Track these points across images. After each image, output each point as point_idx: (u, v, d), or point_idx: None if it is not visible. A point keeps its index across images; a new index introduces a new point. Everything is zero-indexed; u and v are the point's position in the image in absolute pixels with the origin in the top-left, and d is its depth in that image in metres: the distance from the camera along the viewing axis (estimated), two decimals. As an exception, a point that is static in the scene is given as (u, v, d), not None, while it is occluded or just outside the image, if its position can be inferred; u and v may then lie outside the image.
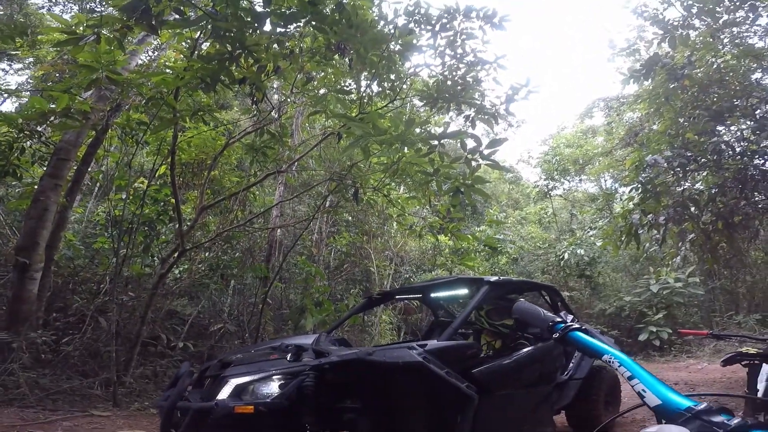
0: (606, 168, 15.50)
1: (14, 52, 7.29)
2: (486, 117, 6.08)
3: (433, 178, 5.47)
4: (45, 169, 5.65)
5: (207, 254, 8.64)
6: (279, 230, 8.66)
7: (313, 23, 3.63)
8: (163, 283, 7.19)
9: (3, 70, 9.22)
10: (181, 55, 5.24)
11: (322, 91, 5.71)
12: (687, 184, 6.95)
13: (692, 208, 6.63)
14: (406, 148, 5.44)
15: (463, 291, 4.33)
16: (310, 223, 8.34)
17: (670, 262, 11.70)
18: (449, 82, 5.77)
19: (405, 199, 7.87)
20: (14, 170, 5.17)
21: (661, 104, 6.74)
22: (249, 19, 3.40)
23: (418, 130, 5.33)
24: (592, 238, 14.30)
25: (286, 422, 2.56)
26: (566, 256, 13.65)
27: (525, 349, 3.82)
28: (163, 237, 8.11)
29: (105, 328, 6.04)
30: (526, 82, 5.84)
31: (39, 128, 4.87)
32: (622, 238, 7.05)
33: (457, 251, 11.33)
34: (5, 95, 6.45)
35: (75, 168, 6.14)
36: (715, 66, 6.44)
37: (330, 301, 7.95)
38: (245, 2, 3.42)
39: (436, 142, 5.19)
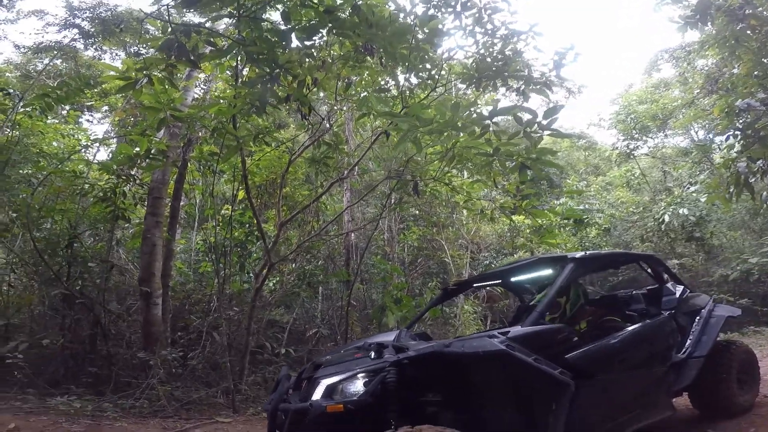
0: (692, 119, 14.02)
1: (89, 103, 8.50)
2: (537, 87, 5.90)
3: (495, 158, 5.38)
4: (146, 209, 6.53)
5: (293, 265, 9.32)
6: (353, 234, 9.04)
7: (335, 31, 3.86)
8: (260, 296, 7.88)
9: (88, 121, 10.77)
10: (229, 85, 5.78)
11: (364, 94, 5.94)
12: (794, 123, 6.21)
13: (807, 147, 5.88)
14: (458, 134, 5.44)
15: (547, 271, 4.10)
16: (378, 222, 8.60)
17: (798, 211, 10.17)
18: (489, 59, 5.69)
19: (469, 184, 7.81)
20: (122, 213, 6.09)
21: (733, 47, 6.11)
22: (276, 39, 3.73)
23: (465, 114, 5.29)
24: (695, 195, 12.68)
25: (373, 418, 2.65)
26: (666, 218, 12.17)
27: (630, 328, 3.58)
28: (255, 255, 8.88)
29: (219, 341, 6.65)
30: (570, 46, 5.64)
31: (132, 172, 5.71)
32: (730, 190, 6.39)
33: (539, 230, 10.85)
34: (96, 145, 7.58)
35: (169, 204, 7.01)
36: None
37: (409, 297, 8.11)
38: (267, 24, 3.74)
39: (488, 122, 5.15)
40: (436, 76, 5.76)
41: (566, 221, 12.37)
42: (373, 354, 2.97)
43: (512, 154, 5.19)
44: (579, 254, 3.68)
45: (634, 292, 4.61)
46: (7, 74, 9.16)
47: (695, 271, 12.18)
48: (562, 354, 2.85)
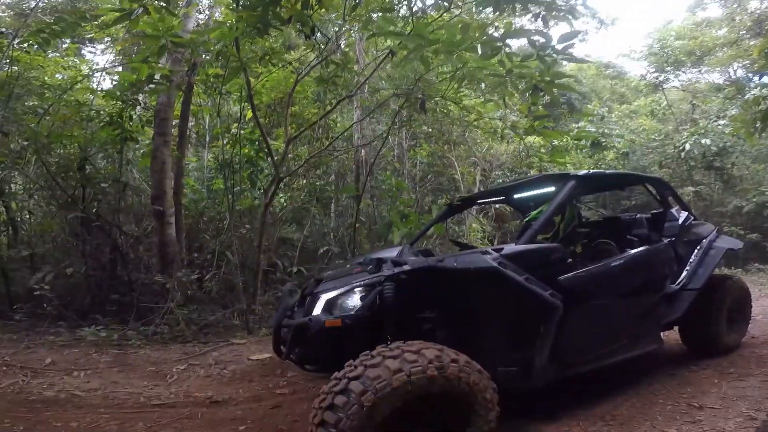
0: (733, 58, 13.52)
1: (89, 36, 8.10)
2: (561, 14, 5.47)
3: (506, 79, 5.22)
4: (153, 129, 6.52)
5: (303, 181, 9.42)
6: (363, 151, 8.99)
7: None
8: (270, 212, 7.99)
9: (90, 53, 10.47)
10: (229, 9, 5.47)
11: (374, 15, 5.57)
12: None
13: None
14: (469, 54, 5.21)
15: (550, 189, 3.85)
16: (386, 137, 8.47)
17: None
18: (512, -19, 5.18)
19: (480, 103, 7.59)
20: (130, 135, 6.13)
21: None
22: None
23: (476, 35, 5.00)
24: (720, 127, 12.12)
25: (371, 332, 2.65)
26: (687, 146, 11.86)
27: (626, 254, 3.42)
28: (266, 171, 8.91)
29: (232, 261, 6.64)
30: None
31: (139, 97, 5.64)
32: (757, 125, 6.26)
33: (557, 150, 10.60)
34: (99, 74, 7.41)
35: (178, 125, 6.99)
36: None
37: (416, 213, 8.22)
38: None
39: (500, 44, 4.91)
40: (452, -2, 5.31)
41: (583, 143, 12.09)
42: (370, 268, 2.94)
43: (525, 76, 5.05)
44: (582, 172, 3.49)
45: (637, 215, 4.46)
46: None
47: (710, 200, 12.04)
48: (555, 275, 2.78)
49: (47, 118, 6.06)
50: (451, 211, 4.76)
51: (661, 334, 3.67)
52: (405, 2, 5.30)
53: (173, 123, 6.74)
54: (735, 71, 15.87)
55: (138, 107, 6.12)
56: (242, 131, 7.59)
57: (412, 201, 9.20)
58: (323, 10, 4.90)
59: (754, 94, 6.68)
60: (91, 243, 6.24)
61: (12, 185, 6.90)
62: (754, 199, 11.13)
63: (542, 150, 10.92)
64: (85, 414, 3.32)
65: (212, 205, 8.51)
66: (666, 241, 3.80)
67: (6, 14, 8.56)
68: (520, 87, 5.36)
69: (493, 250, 2.76)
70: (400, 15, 5.49)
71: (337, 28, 6.50)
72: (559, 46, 4.58)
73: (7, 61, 5.26)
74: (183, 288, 5.96)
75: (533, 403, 3.00)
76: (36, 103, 6.32)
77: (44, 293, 5.46)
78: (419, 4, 5.38)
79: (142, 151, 7.17)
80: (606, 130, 13.12)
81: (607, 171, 4.05)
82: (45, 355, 4.60)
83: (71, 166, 6.21)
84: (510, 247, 2.83)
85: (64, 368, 4.28)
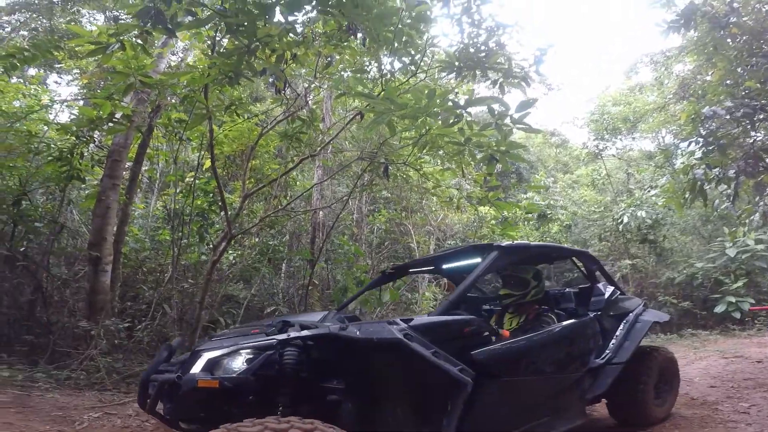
0: (662, 124, 14.59)
1: (59, 65, 7.89)
2: (516, 81, 5.97)
3: (465, 147, 5.46)
4: (103, 170, 6.22)
5: (256, 240, 9.14)
6: (321, 213, 8.94)
7: (319, 8, 3.73)
8: (217, 268, 7.60)
9: (56, 83, 10.15)
10: (205, 54, 5.55)
11: (345, 74, 5.82)
12: (758, 134, 6.35)
13: (767, 160, 6.12)
14: (432, 120, 5.46)
15: (476, 260, 3.81)
16: (347, 201, 8.51)
17: (746, 221, 10.64)
18: (472, 50, 5.67)
19: (439, 171, 7.89)
20: (77, 174, 5.78)
21: (711, 53, 6.26)
22: (258, 12, 3.57)
23: (440, 101, 5.31)
24: (654, 198, 13.13)
25: (256, 399, 2.46)
26: (625, 219, 12.66)
27: (547, 328, 3.38)
28: (217, 226, 8.58)
29: (170, 314, 6.36)
30: (551, 44, 5.71)
31: (95, 135, 5.38)
32: (686, 196, 6.60)
33: (503, 221, 11.06)
34: (58, 106, 7.11)
35: (130, 168, 6.71)
36: (764, 11, 5.90)
37: (370, 279, 8.12)
38: (250, -4, 3.57)
39: (461, 111, 5.19)
40: (419, 62, 5.69)
41: (530, 215, 12.72)
42: (268, 331, 2.77)
43: (482, 145, 5.28)
44: (505, 243, 3.45)
45: (566, 289, 4.50)
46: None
47: (645, 272, 12.75)
48: (468, 349, 2.67)
49: (-8, 146, 5.63)
50: (384, 278, 4.65)
51: (588, 407, 3.63)
52: (375, 64, 5.57)
53: (126, 165, 6.44)
54: (663, 137, 17.07)
55: (91, 145, 5.81)
56: (197, 180, 7.37)
57: (367, 267, 9.12)
58: (296, 65, 5.05)
59: (683, 163, 7.11)
60: (11, 281, 5.69)
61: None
62: (684, 271, 11.88)
63: (493, 221, 11.40)
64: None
65: (155, 257, 8.02)
66: (591, 315, 3.83)
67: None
68: (477, 156, 5.65)
69: (402, 320, 2.63)
70: (370, 76, 5.76)
71: (307, 84, 6.68)
72: (516, 115, 4.89)
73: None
74: (110, 336, 5.50)
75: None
76: (-16, 130, 5.87)
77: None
78: (387, 67, 5.68)
79: (87, 191, 6.72)
80: (551, 202, 13.83)
81: (531, 243, 4.14)
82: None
83: (5, 200, 5.72)
84: (420, 318, 2.73)
85: (-52, 406, 3.62)
